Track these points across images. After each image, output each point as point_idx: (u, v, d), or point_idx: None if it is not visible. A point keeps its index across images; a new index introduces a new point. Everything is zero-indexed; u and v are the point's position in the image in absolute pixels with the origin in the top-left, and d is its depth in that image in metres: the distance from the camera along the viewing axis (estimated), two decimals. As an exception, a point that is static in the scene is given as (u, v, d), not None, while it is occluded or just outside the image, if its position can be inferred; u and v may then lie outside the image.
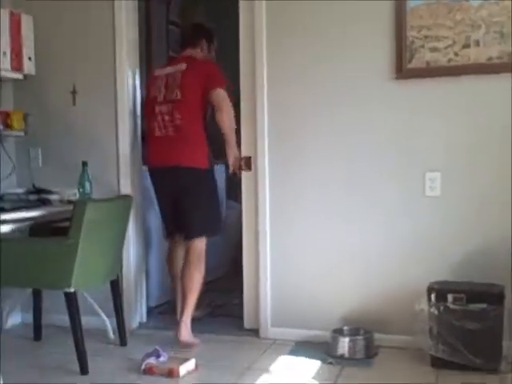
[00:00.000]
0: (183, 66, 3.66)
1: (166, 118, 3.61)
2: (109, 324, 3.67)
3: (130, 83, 3.89)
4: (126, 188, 3.84)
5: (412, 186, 3.39)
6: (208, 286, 4.15)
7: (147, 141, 3.81)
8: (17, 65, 3.70)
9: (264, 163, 3.63)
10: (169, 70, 3.72)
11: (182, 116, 3.57)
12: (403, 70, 3.37)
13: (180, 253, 3.77)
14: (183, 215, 3.62)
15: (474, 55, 3.27)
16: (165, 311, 4.22)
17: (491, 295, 3.02)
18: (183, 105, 3.58)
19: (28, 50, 3.76)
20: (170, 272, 3.88)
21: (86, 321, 3.26)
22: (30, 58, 3.78)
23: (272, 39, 3.58)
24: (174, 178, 3.60)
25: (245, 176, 3.73)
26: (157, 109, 3.65)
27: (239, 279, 3.82)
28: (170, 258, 3.87)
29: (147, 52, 4.73)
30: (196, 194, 3.60)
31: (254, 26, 3.60)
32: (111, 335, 3.66)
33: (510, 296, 3.04)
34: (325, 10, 3.49)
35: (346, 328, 3.38)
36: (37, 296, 3.68)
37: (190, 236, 3.61)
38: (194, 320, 3.59)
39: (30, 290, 3.70)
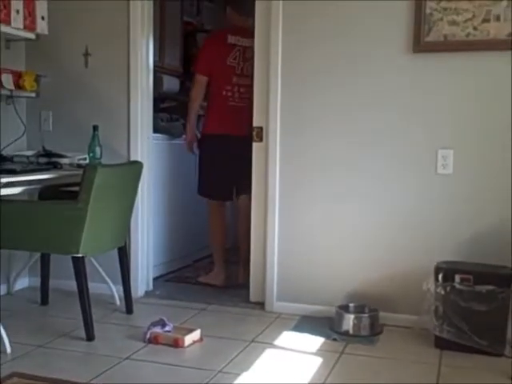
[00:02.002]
0: (248, 41, 4.00)
1: (242, 90, 4.08)
2: (115, 291, 3.70)
3: (143, 49, 3.83)
4: (135, 154, 3.82)
5: (424, 163, 3.34)
6: (212, 258, 4.20)
7: (215, 106, 4.07)
8: (30, 24, 3.63)
9: (276, 134, 3.58)
10: (242, 41, 4.08)
11: (248, 91, 3.95)
12: (421, 43, 3.29)
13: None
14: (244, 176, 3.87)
15: (494, 30, 3.18)
16: (171, 280, 4.23)
17: (499, 277, 2.98)
18: (248, 81, 3.96)
19: (41, 8, 3.70)
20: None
21: (92, 287, 3.27)
22: (42, 18, 3.72)
23: (288, 13, 3.50)
24: (242, 147, 3.86)
25: (256, 147, 3.68)
26: (234, 79, 4.06)
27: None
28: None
29: (161, 16, 4.65)
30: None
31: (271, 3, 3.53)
32: (117, 302, 3.69)
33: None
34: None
35: (351, 305, 3.37)
36: (44, 260, 3.69)
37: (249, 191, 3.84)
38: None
39: (38, 254, 3.71)
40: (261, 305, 3.69)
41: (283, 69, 3.54)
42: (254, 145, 3.69)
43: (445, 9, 3.25)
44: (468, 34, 3.22)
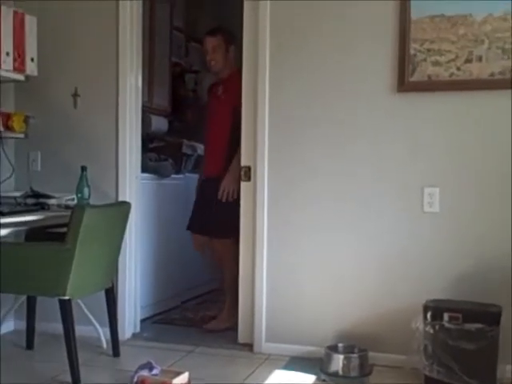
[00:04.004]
0: None
1: None
2: (102, 333, 3.64)
3: (132, 89, 3.86)
4: (124, 194, 3.81)
5: (410, 201, 3.35)
6: (202, 298, 4.16)
7: None
8: (19, 65, 3.64)
9: (263, 174, 3.59)
10: None
11: None
12: (405, 82, 3.34)
13: None
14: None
15: (477, 70, 3.24)
16: (158, 321, 4.19)
17: (488, 315, 2.97)
18: None
19: (31, 50, 3.70)
20: None
21: (78, 329, 3.20)
22: (32, 59, 3.73)
23: (274, 46, 3.56)
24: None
25: (244, 186, 3.69)
26: None
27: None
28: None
29: (150, 57, 4.70)
30: None
31: (258, 36, 3.57)
32: (104, 345, 3.63)
33: (506, 317, 3.00)
34: (328, 21, 3.47)
35: (340, 345, 3.33)
36: (31, 303, 3.65)
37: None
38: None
39: (23, 297, 3.67)
40: (249, 346, 3.65)
41: (271, 107, 3.57)
42: (242, 184, 3.70)
43: (428, 50, 3.31)
44: (451, 74, 3.28)
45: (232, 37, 4.07)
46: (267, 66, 3.56)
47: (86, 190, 3.58)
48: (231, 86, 3.94)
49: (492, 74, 3.21)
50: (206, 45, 4.06)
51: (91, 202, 3.56)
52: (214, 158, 4.06)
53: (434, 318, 3.02)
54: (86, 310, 3.65)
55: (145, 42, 4.13)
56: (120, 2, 3.78)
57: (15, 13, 3.60)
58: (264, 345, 3.59)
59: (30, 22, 3.70)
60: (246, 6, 3.65)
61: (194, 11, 5.51)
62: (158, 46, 4.88)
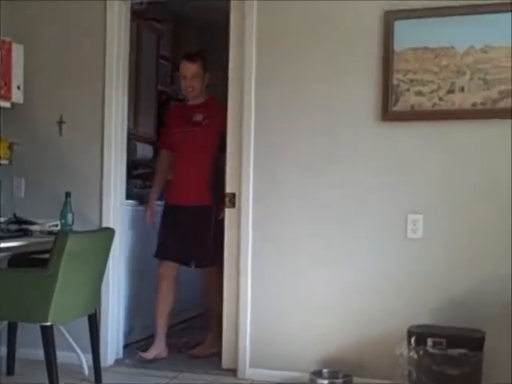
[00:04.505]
0: None
1: None
2: (84, 360, 3.59)
3: (118, 116, 3.89)
4: (108, 220, 3.81)
5: (394, 227, 3.39)
6: (187, 324, 4.12)
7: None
8: (5, 93, 3.66)
9: (248, 200, 3.62)
10: None
11: None
12: (388, 112, 3.40)
13: None
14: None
15: (459, 101, 3.31)
16: (141, 347, 4.14)
17: (471, 340, 2.99)
18: None
19: (17, 78, 3.73)
20: None
21: (60, 355, 3.18)
22: (18, 87, 3.75)
23: (260, 77, 3.61)
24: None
25: (228, 213, 3.71)
26: None
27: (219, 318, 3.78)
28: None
29: (136, 85, 4.74)
30: None
31: (244, 63, 3.63)
32: (86, 372, 3.58)
33: (489, 342, 3.02)
34: (312, 50, 3.53)
35: (325, 370, 3.34)
36: (12, 328, 3.60)
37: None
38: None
39: (5, 323, 3.63)
40: (233, 372, 3.63)
41: (256, 134, 3.61)
42: (227, 211, 3.71)
43: (411, 80, 3.38)
44: (434, 104, 3.35)
45: (208, 63, 4.08)
46: (252, 94, 3.61)
47: (69, 216, 3.59)
48: (213, 112, 3.97)
49: (474, 104, 3.28)
50: (184, 71, 4.01)
51: (75, 228, 3.56)
52: (200, 186, 3.99)
53: (417, 343, 3.03)
54: (68, 336, 3.61)
55: (131, 70, 4.15)
56: (108, 30, 3.83)
57: (3, 42, 3.64)
58: (248, 370, 3.58)
59: (17, 50, 3.74)
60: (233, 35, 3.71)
61: (180, 40, 5.58)
62: (145, 75, 4.92)
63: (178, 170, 4.09)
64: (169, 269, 4.04)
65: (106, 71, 3.84)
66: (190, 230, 3.99)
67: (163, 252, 4.05)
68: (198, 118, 4.03)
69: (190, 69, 3.99)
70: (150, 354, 3.90)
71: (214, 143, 3.96)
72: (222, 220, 3.77)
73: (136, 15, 4.28)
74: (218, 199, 3.89)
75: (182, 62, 4.05)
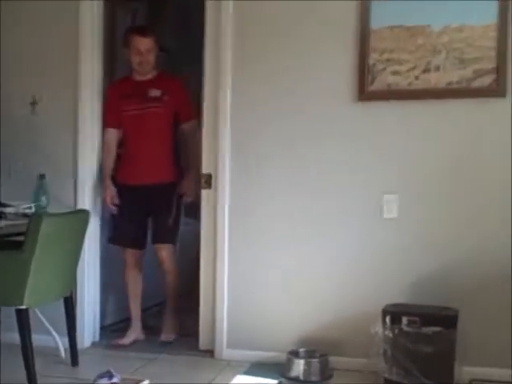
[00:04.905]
0: None
1: None
2: (60, 343, 3.58)
3: (93, 99, 3.85)
4: (82, 202, 3.78)
5: (369, 207, 3.40)
6: (163, 305, 4.11)
7: None
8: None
9: (224, 181, 3.60)
10: None
11: None
12: (365, 92, 3.40)
13: None
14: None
15: (434, 79, 3.31)
16: (118, 329, 4.14)
17: (445, 318, 3.02)
18: None
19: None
20: None
21: (36, 339, 3.17)
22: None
23: (237, 54, 3.57)
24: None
25: (205, 194, 3.69)
26: None
27: (195, 299, 3.77)
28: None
29: (110, 71, 4.67)
30: None
31: (220, 43, 3.59)
32: (63, 354, 3.57)
33: (462, 320, 3.06)
34: (288, 32, 3.50)
35: (301, 350, 3.35)
36: (-8, 313, 3.58)
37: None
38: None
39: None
40: (210, 352, 3.64)
41: (232, 114, 3.58)
42: (203, 192, 3.69)
43: (387, 60, 3.37)
44: (410, 84, 3.34)
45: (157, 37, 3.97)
46: (229, 73, 3.57)
47: (43, 199, 3.55)
48: (170, 86, 3.89)
49: (449, 83, 3.28)
50: (138, 45, 3.83)
51: (49, 210, 3.52)
52: (163, 162, 3.89)
53: (393, 322, 3.06)
54: (43, 320, 3.59)
55: (105, 49, 4.08)
56: (80, 11, 3.78)
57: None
58: (225, 351, 3.59)
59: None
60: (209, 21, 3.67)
61: (157, 19, 5.50)
62: (120, 55, 4.85)
63: (136, 148, 3.89)
64: (131, 255, 3.98)
65: (80, 49, 3.79)
66: (151, 210, 3.93)
67: (121, 238, 3.97)
68: (156, 93, 3.88)
69: (144, 42, 3.84)
70: (127, 340, 3.88)
71: (173, 117, 3.90)
72: (181, 197, 3.86)
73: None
74: (181, 175, 3.91)
75: (135, 36, 3.86)
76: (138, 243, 3.96)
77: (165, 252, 3.92)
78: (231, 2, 3.56)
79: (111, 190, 3.87)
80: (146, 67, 3.87)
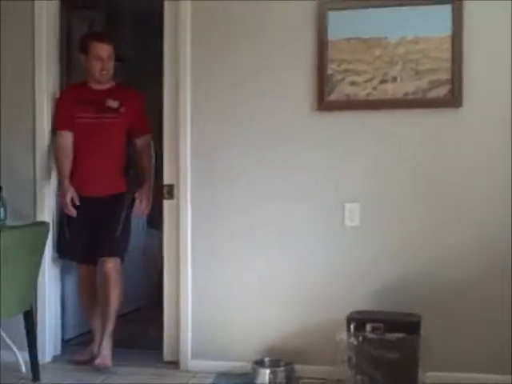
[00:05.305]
0: None
1: None
2: (21, 358, 3.52)
3: (49, 107, 3.80)
4: (42, 214, 3.72)
5: (332, 216, 3.44)
6: (127, 317, 4.06)
7: None
8: None
9: (186, 191, 3.60)
10: None
11: None
12: (324, 102, 3.44)
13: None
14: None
15: (392, 90, 3.38)
16: (81, 343, 4.08)
17: (408, 324, 3.07)
18: None
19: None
20: None
21: (-4, 355, 3.13)
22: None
23: (196, 69, 3.58)
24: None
25: (167, 205, 3.68)
26: None
27: (159, 310, 3.75)
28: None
29: (67, 76, 4.61)
30: None
31: (179, 54, 3.59)
32: (23, 370, 3.51)
33: (425, 326, 3.10)
34: (248, 41, 3.53)
35: (266, 359, 3.38)
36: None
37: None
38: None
39: None
40: (175, 364, 3.62)
41: (192, 124, 3.59)
42: (165, 202, 3.68)
43: (346, 70, 3.42)
44: (368, 94, 3.41)
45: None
46: (188, 85, 3.58)
47: (1, 211, 3.48)
48: (127, 98, 3.82)
49: (406, 94, 3.36)
50: (100, 52, 3.72)
51: (8, 223, 3.45)
52: (110, 176, 3.78)
53: (357, 329, 3.09)
54: (3, 334, 3.52)
55: (62, 60, 4.03)
56: (36, 20, 3.74)
57: None
58: (190, 362, 3.58)
59: None
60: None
61: (114, 29, 5.46)
62: (76, 65, 4.80)
63: (87, 157, 3.76)
64: (84, 270, 3.85)
65: (36, 60, 3.74)
66: (101, 223, 3.76)
67: (72, 252, 3.83)
68: (113, 104, 3.78)
69: (106, 49, 3.75)
70: (88, 355, 3.76)
71: (127, 130, 3.82)
72: (131, 209, 3.77)
73: (66, 3, 4.16)
74: (132, 186, 3.83)
75: (95, 42, 3.75)
76: (91, 258, 3.77)
77: (110, 266, 3.70)
78: (189, 3, 3.57)
79: (72, 192, 3.70)
80: (105, 75, 3.77)
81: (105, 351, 3.62)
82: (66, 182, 3.74)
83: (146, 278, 4.16)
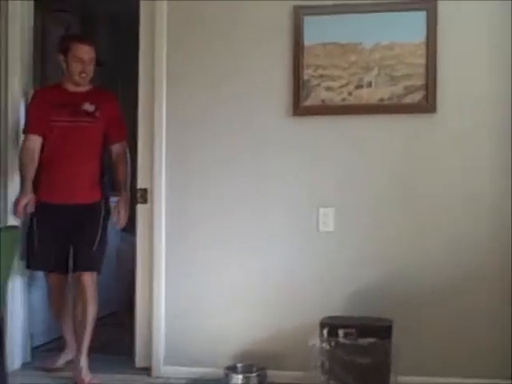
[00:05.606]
0: None
1: None
2: (-11, 364, 3.46)
3: (16, 109, 3.76)
4: (13, 219, 3.64)
5: (306, 221, 3.44)
6: (102, 321, 3.99)
7: None
8: None
9: (160, 196, 3.57)
10: None
11: None
12: (300, 107, 3.44)
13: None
14: None
15: (367, 96, 3.39)
16: (52, 349, 4.02)
17: (380, 329, 3.07)
18: None
19: None
20: None
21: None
22: None
23: (172, 74, 3.57)
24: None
25: (140, 209, 3.65)
26: None
27: (131, 315, 3.71)
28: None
29: (42, 79, 4.58)
30: None
31: (154, 59, 3.59)
32: (-9, 377, 3.45)
33: (396, 330, 3.11)
34: (224, 46, 3.52)
35: (239, 365, 3.35)
36: None
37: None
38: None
39: None
40: (147, 370, 3.57)
41: (168, 128, 3.56)
42: (139, 207, 3.65)
43: (321, 76, 3.43)
44: (344, 99, 3.41)
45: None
46: (164, 91, 3.56)
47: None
48: (103, 102, 3.71)
49: (381, 99, 3.37)
50: (81, 54, 3.61)
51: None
52: (85, 183, 3.62)
53: (330, 334, 3.09)
54: (-29, 341, 3.45)
55: (36, 63, 4.00)
56: (9, 23, 3.70)
57: None
58: (163, 368, 3.54)
59: None
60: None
61: (90, 32, 5.43)
62: (51, 68, 4.76)
63: (61, 163, 3.61)
64: (55, 279, 3.71)
65: (9, 63, 3.71)
66: (73, 232, 3.60)
67: (42, 262, 3.66)
68: (90, 108, 3.66)
69: (88, 52, 3.65)
70: (60, 362, 3.71)
71: (103, 135, 3.70)
72: (108, 219, 3.65)
73: (41, 5, 4.12)
74: (108, 194, 3.74)
75: (76, 44, 3.64)
76: (62, 267, 3.64)
77: (87, 280, 3.54)
78: (165, 3, 3.56)
79: (29, 197, 3.51)
80: (85, 78, 3.66)
81: (83, 369, 3.47)
82: (29, 185, 3.55)
83: (121, 281, 4.11)
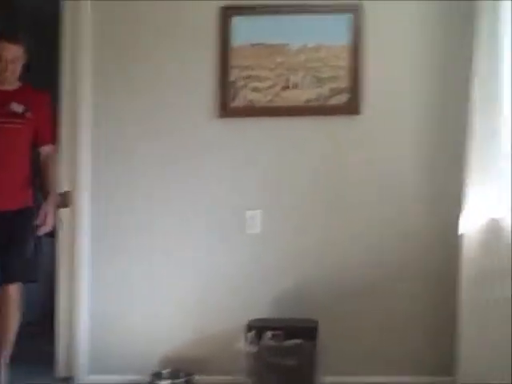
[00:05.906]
0: None
1: None
2: None
3: None
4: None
5: (233, 223, 3.42)
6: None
7: None
8: None
9: (84, 199, 3.48)
10: None
11: None
12: (227, 108, 3.42)
13: None
14: None
15: (293, 97, 3.39)
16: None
17: (306, 330, 3.07)
18: None
19: None
20: None
21: None
22: None
23: (97, 77, 3.49)
24: None
25: (62, 212, 3.52)
26: None
27: (51, 323, 3.58)
28: None
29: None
30: None
31: (78, 63, 3.51)
32: None
33: (322, 331, 3.13)
34: (152, 47, 3.47)
35: (165, 371, 3.29)
36: None
37: None
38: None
39: None
40: (70, 380, 3.46)
41: (93, 128, 3.48)
42: (61, 210, 3.53)
43: (248, 77, 3.41)
44: (270, 100, 3.40)
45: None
46: (89, 95, 3.49)
47: None
48: (33, 102, 3.52)
49: (308, 101, 3.38)
50: (4, 52, 3.41)
51: None
52: (14, 188, 3.44)
53: (256, 336, 3.07)
54: None
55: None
56: None
57: None
58: (87, 377, 3.45)
59: None
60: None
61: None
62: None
63: None
64: None
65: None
66: (6, 243, 3.37)
67: None
68: (18, 108, 3.49)
69: (11, 50, 3.46)
70: None
71: (33, 137, 3.53)
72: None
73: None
74: (39, 198, 3.52)
75: (2, 41, 3.45)
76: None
77: (14, 290, 3.37)
78: (89, 2, 3.48)
79: None
80: (9, 77, 3.46)
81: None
82: None
83: (39, 288, 3.93)
